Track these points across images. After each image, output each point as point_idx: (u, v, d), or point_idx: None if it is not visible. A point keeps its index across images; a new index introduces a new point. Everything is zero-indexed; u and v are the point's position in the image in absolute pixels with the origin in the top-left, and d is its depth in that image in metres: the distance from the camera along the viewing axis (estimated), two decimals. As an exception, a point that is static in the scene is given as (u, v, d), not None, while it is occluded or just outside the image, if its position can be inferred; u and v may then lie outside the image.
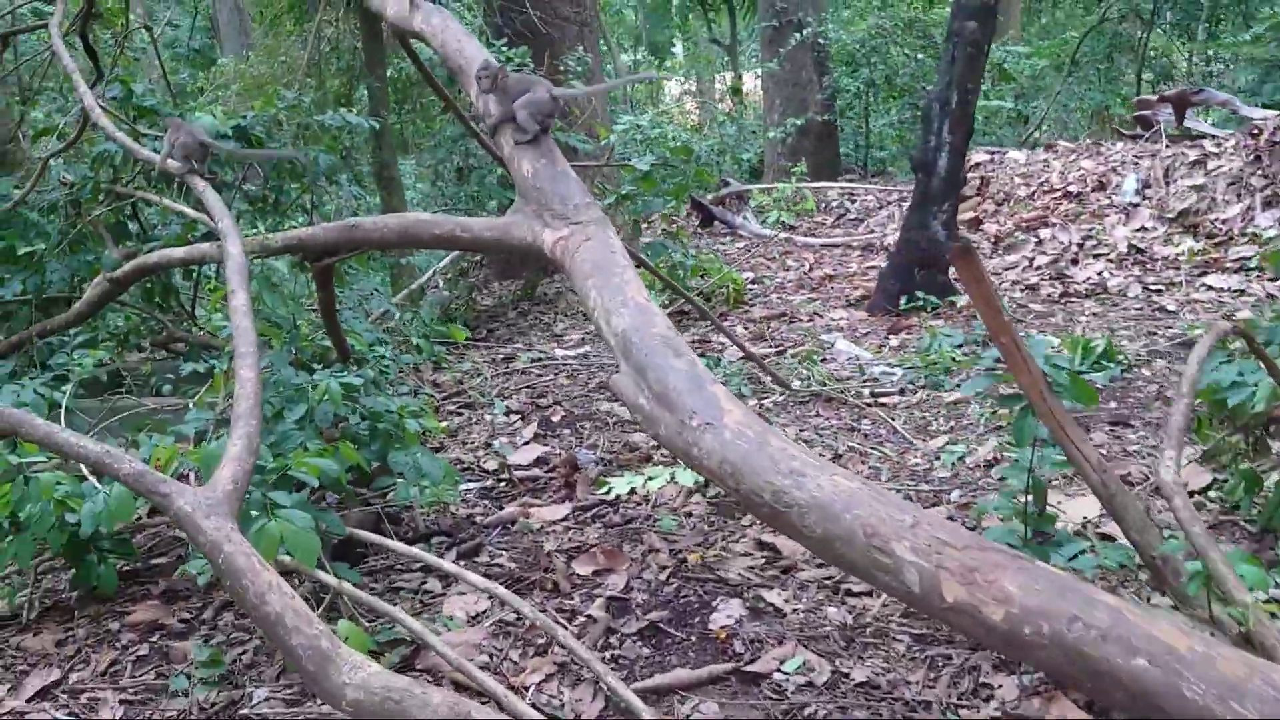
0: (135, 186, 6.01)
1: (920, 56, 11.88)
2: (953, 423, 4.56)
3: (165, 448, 3.33)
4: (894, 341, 6.21)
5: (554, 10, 9.78)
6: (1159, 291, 6.69)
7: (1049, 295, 7.01)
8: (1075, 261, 7.64)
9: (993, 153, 10.95)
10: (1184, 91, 9.34)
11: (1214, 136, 8.97)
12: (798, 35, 12.21)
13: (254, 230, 5.84)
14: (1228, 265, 6.78)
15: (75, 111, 7.20)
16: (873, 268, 8.91)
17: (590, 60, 9.24)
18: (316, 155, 6.23)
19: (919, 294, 6.80)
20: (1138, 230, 7.92)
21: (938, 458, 4.15)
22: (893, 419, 4.67)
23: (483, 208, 14.13)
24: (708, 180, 7.08)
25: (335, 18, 9.10)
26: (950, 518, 3.51)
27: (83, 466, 3.22)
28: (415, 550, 3.27)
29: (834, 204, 11.29)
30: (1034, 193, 9.37)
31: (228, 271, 3.60)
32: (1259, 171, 7.42)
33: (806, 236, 10.47)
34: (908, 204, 7.84)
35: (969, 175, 9.74)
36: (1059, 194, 9.04)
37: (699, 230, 11.84)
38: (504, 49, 8.32)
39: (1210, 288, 6.57)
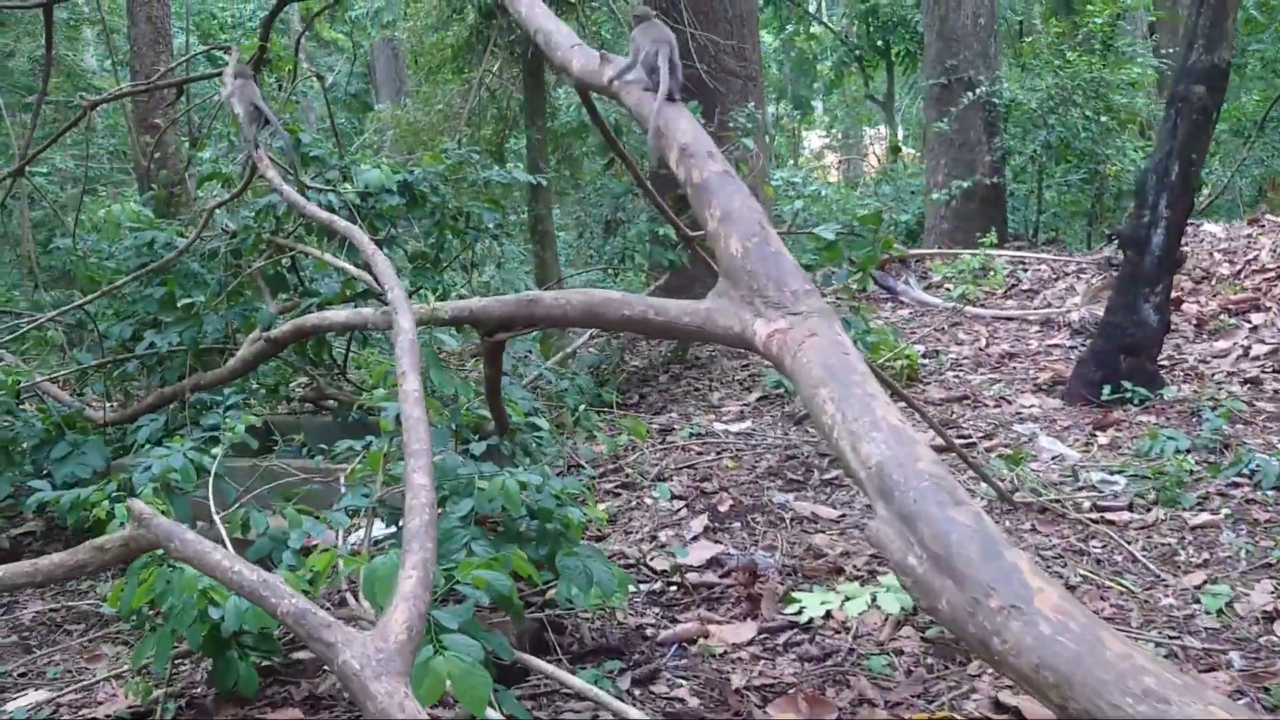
0: (296, 238, 5.84)
1: (1103, 119, 11.08)
2: (1205, 553, 3.88)
3: (322, 555, 2.96)
4: (1102, 439, 5.52)
5: (720, 64, 9.45)
6: None
7: (1277, 392, 6.20)
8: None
9: (1195, 225, 10.08)
10: None
11: None
12: (970, 94, 11.58)
13: (411, 288, 5.57)
14: None
15: (241, 158, 7.16)
16: (1055, 346, 8.18)
17: (759, 115, 8.84)
18: (480, 211, 5.96)
19: (1125, 384, 6.08)
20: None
21: (1196, 600, 3.49)
22: (1128, 542, 4.02)
23: (630, 261, 13.85)
24: (896, 250, 6.53)
25: (497, 68, 8.93)
26: (1239, 692, 2.86)
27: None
28: (592, 690, 2.81)
29: (1005, 273, 10.55)
30: (1240, 271, 8.51)
31: (398, 350, 3.24)
32: None
33: (977, 307, 9.78)
34: (1107, 281, 7.15)
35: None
36: (1271, 274, 8.17)
37: (856, 295, 11.27)
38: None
39: None
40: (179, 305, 5.30)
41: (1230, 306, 7.93)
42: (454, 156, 5.89)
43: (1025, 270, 10.81)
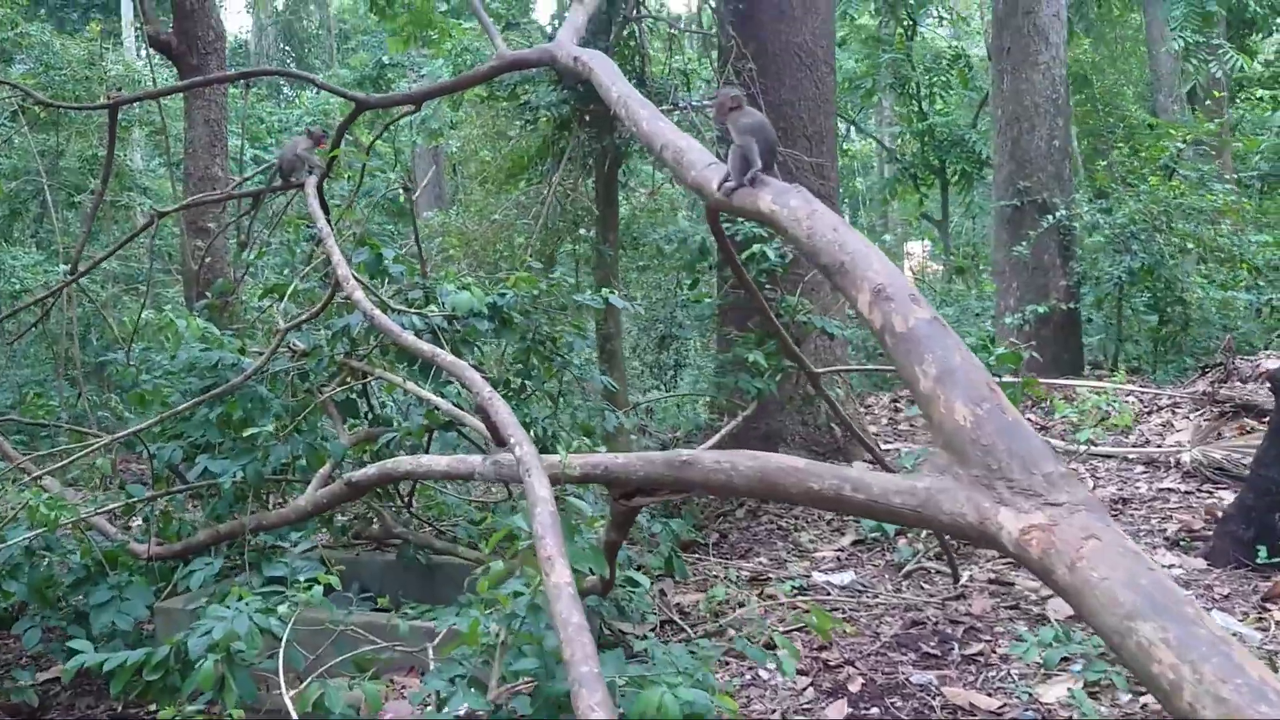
0: (369, 361, 5.34)
1: (1190, 246, 10.62)
2: None
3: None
4: (1278, 613, 4.86)
5: (801, 182, 9.05)
6: None
7: None
8: None
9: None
10: None
11: None
12: (1050, 218, 11.17)
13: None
14: None
15: (300, 267, 6.71)
16: (1169, 491, 7.54)
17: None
18: (570, 339, 5.46)
19: (1284, 546, 5.43)
20: None
21: None
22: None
23: (679, 379, 13.33)
24: (1035, 391, 5.97)
25: (573, 180, 8.56)
26: None
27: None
28: None
29: (1129, 411, 9.89)
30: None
31: (537, 525, 2.67)
32: None
33: (1065, 443, 9.15)
34: (1218, 420, 6.53)
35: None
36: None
37: (893, 418, 10.70)
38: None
39: None
40: (244, 435, 4.76)
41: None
42: (546, 279, 5.41)
43: (1113, 402, 10.21)
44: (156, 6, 11.71)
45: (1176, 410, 9.61)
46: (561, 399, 5.60)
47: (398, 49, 11.22)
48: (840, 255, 3.00)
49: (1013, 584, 5.66)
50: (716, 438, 6.69)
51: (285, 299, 5.77)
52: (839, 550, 6.71)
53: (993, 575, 5.83)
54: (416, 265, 5.54)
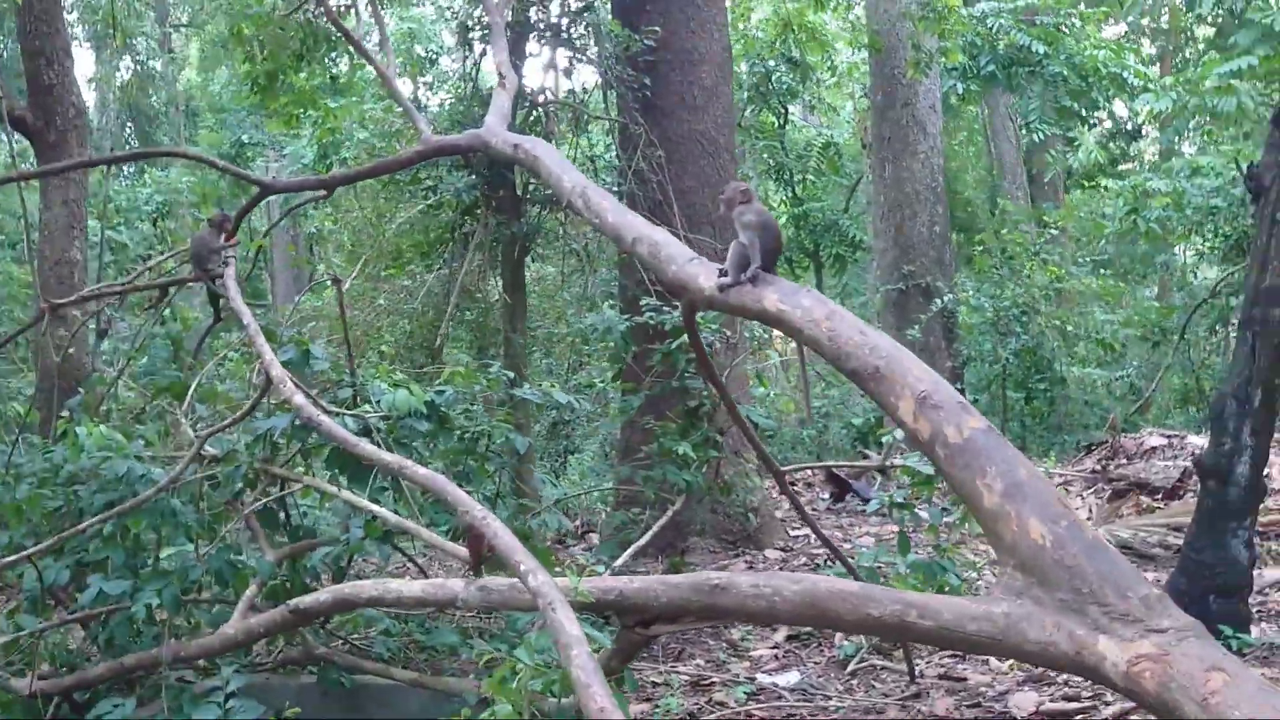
0: (292, 467, 4.90)
1: (1070, 328, 11.08)
2: None
3: None
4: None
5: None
6: None
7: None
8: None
9: (1169, 436, 9.93)
10: None
11: None
12: (938, 301, 11.48)
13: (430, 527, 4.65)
14: None
15: (191, 361, 6.22)
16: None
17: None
18: (510, 436, 5.16)
19: (1221, 629, 5.50)
20: None
21: None
22: None
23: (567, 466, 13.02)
24: None
25: (481, 267, 8.27)
26: None
27: None
28: None
29: None
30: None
31: (574, 668, 2.37)
32: None
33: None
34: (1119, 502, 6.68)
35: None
36: (1264, 495, 7.89)
37: (831, 507, 10.68)
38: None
39: None
40: (162, 556, 4.25)
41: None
42: (485, 374, 5.11)
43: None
44: (11, 81, 10.98)
45: (1069, 489, 9.87)
46: (500, 500, 5.25)
47: (277, 129, 10.75)
48: (873, 359, 2.84)
49: (965, 678, 5.56)
50: (649, 535, 6.45)
51: (188, 399, 5.28)
52: (775, 647, 6.48)
53: (942, 670, 5.72)
54: (343, 362, 5.15)
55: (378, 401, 4.75)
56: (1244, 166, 5.95)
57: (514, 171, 8.20)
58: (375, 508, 4.05)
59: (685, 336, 6.52)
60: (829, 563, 8.42)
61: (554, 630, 2.51)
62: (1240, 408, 5.65)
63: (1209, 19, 23.33)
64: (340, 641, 5.39)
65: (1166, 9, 28.21)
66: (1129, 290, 18.93)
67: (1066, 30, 14.71)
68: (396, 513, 4.35)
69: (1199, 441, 9.84)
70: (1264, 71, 17.91)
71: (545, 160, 4.77)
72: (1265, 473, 5.89)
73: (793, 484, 11.77)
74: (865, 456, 10.99)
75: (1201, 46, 24.94)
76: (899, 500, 5.10)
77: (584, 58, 8.30)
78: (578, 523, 10.18)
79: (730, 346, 7.12)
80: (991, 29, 14.16)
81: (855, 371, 2.86)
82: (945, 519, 5.36)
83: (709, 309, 3.68)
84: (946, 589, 5.15)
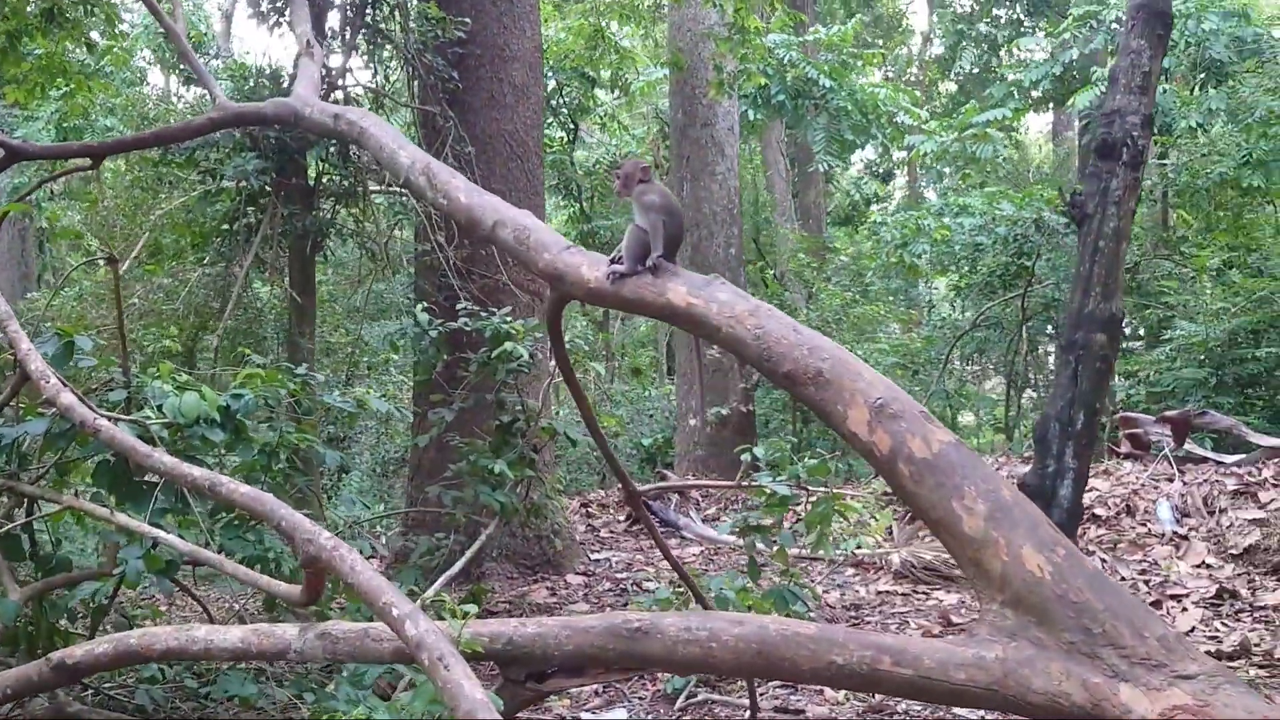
0: (48, 484, 4.01)
1: (863, 348, 11.28)
2: None
3: None
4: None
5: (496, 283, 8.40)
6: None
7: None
8: (1157, 604, 6.64)
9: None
10: (1187, 412, 8.99)
11: (1218, 462, 8.53)
12: (736, 321, 11.40)
13: (222, 552, 3.89)
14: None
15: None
16: (889, 593, 7.66)
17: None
18: (322, 450, 4.47)
19: (1045, 651, 5.53)
20: (1198, 566, 7.11)
21: None
22: None
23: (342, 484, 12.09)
24: (845, 509, 5.71)
25: (268, 263, 7.38)
26: None
27: None
28: None
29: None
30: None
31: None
32: (1337, 510, 6.85)
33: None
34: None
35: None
36: (1082, 518, 8.23)
37: (629, 530, 10.35)
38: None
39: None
40: None
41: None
42: (293, 378, 4.39)
43: (798, 503, 10.43)
44: None
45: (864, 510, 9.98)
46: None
47: (17, 99, 9.33)
48: (813, 361, 2.46)
49: (803, 711, 5.29)
50: (462, 561, 5.85)
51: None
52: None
53: (778, 702, 5.43)
54: (115, 359, 4.28)
55: (159, 406, 3.95)
56: (1067, 194, 6.09)
57: (307, 158, 7.40)
58: (161, 534, 3.30)
59: (508, 344, 6.04)
60: (635, 589, 8.08)
61: (449, 694, 1.95)
62: (1063, 430, 5.71)
63: (957, 76, 25.22)
64: (91, 692, 4.49)
65: (920, 63, 30.31)
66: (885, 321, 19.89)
67: (849, 67, 15.23)
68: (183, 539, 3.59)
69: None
70: (1014, 121, 19.45)
71: (375, 132, 4.15)
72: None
73: (603, 506, 11.42)
74: (663, 477, 10.76)
75: (944, 101, 26.93)
76: (754, 522, 4.76)
77: (389, 42, 7.62)
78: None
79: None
80: (782, 59, 14.44)
81: (790, 375, 2.47)
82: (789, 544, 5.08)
83: (593, 303, 3.20)
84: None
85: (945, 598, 7.35)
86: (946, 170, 21.98)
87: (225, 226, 7.50)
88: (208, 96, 5.16)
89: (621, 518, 10.69)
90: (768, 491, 4.48)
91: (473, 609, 2.47)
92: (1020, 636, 2.05)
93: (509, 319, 6.29)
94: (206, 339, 9.61)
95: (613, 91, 16.53)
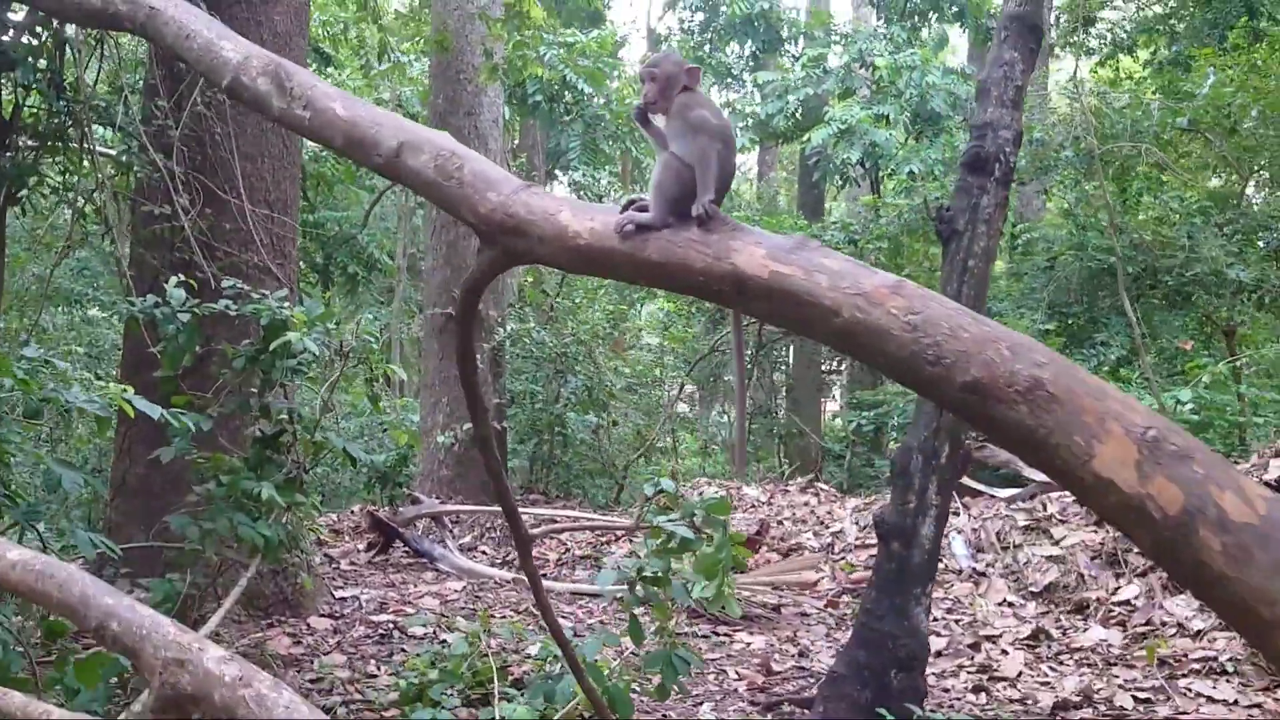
0: None
1: (625, 370, 10.62)
2: None
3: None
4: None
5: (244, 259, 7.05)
6: (1148, 702, 5.54)
7: (1005, 703, 5.58)
8: (975, 646, 6.36)
9: (727, 486, 9.77)
10: (968, 446, 8.97)
11: (992, 495, 8.56)
12: (501, 331, 10.41)
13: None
14: (1193, 664, 5.86)
15: None
16: (684, 636, 6.95)
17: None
18: (56, 471, 3.11)
19: (908, 706, 4.99)
20: (1001, 604, 6.95)
21: None
22: None
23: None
24: (745, 554, 4.82)
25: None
26: None
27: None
28: None
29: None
30: (832, 544, 8.18)
31: None
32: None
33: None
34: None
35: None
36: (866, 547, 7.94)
37: (373, 560, 9.02)
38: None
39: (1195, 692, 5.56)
40: None
41: (852, 586, 7.47)
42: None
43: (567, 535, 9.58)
44: None
45: (634, 540, 9.27)
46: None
47: None
48: (1023, 367, 1.61)
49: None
50: (223, 611, 4.50)
51: None
52: None
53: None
54: None
55: None
56: (934, 210, 5.69)
57: (1, 81, 5.69)
58: None
59: (291, 336, 4.76)
60: (397, 631, 6.87)
61: None
62: (926, 463, 5.24)
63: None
64: None
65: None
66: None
67: (608, 75, 14.70)
68: None
69: (712, 491, 9.77)
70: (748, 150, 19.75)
71: (174, 14, 2.89)
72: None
73: (336, 532, 9.95)
74: (415, 501, 9.53)
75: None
76: (648, 573, 3.81)
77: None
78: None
79: (342, 356, 5.39)
80: (542, 57, 13.62)
81: (980, 387, 1.60)
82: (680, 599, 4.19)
83: (577, 270, 2.17)
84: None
85: (751, 640, 6.74)
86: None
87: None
88: None
89: (362, 546, 9.34)
90: (667, 533, 3.57)
91: None
92: None
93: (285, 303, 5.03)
94: None
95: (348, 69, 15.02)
